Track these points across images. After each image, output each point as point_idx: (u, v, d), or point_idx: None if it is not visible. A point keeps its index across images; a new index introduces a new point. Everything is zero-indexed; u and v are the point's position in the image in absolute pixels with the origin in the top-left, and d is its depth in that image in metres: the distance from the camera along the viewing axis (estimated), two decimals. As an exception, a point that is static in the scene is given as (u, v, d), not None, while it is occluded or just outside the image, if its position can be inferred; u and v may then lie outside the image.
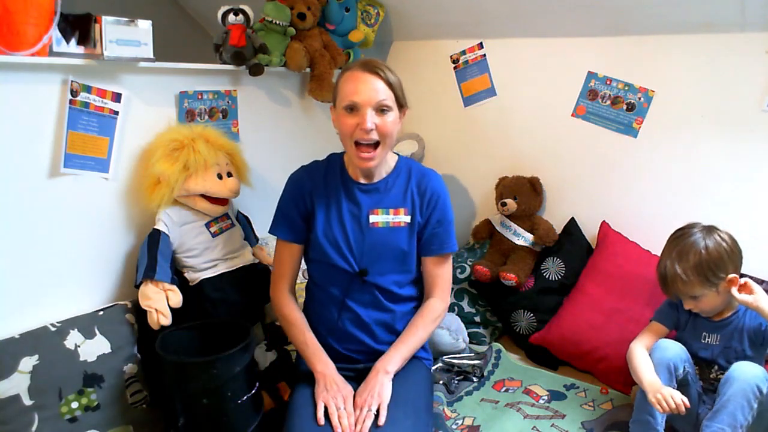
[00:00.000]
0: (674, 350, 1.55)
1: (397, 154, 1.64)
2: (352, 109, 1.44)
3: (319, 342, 1.58)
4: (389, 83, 1.45)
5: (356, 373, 1.58)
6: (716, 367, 1.59)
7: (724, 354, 1.57)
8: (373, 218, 1.55)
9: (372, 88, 1.42)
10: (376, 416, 1.40)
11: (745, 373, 1.43)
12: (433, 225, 1.59)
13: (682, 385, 1.54)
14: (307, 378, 1.55)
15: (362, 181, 1.57)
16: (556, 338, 2.08)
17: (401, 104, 1.50)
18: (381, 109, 1.44)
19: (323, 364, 1.51)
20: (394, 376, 1.53)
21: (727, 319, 1.59)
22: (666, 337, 1.64)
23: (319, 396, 1.45)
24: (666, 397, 1.43)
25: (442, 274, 1.64)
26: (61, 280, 1.67)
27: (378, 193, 1.57)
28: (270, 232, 1.63)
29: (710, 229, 1.57)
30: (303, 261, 1.68)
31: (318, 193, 1.57)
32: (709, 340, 1.60)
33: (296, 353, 1.70)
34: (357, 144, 1.46)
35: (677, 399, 1.42)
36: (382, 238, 1.56)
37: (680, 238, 1.59)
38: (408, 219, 1.57)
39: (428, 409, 1.56)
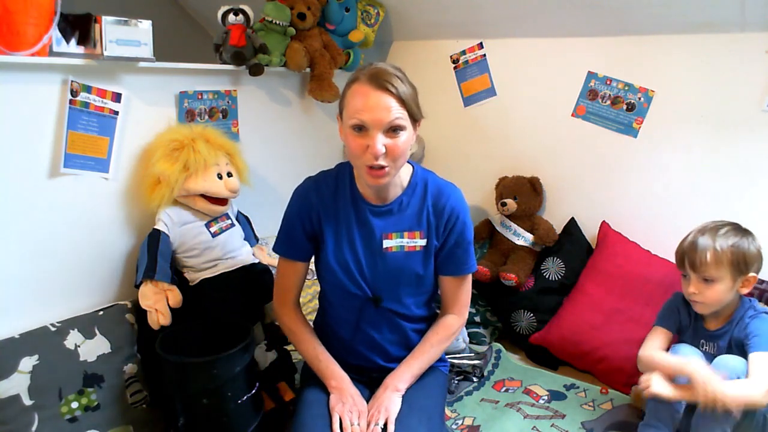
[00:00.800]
0: (692, 355, 1.53)
1: (413, 165, 1.50)
2: (360, 128, 1.29)
3: (330, 353, 1.54)
4: (401, 99, 1.28)
5: (368, 378, 1.57)
6: None
7: None
8: (386, 243, 1.45)
9: (383, 108, 1.27)
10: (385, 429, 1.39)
11: (725, 366, 1.43)
12: (450, 246, 1.48)
13: None
14: (315, 379, 1.53)
15: (374, 202, 1.45)
16: (556, 338, 2.08)
17: (415, 118, 1.35)
18: (393, 129, 1.29)
19: (338, 380, 1.46)
20: None
21: (722, 328, 1.57)
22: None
23: (335, 408, 1.40)
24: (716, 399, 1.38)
25: (460, 293, 1.54)
26: (61, 280, 1.67)
27: (391, 215, 1.45)
28: (273, 250, 1.56)
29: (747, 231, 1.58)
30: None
31: (327, 212, 1.46)
32: (707, 348, 1.60)
33: None
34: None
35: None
36: (397, 264, 1.46)
37: (720, 225, 1.56)
38: (423, 243, 1.46)
39: (441, 417, 1.54)
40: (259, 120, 2.17)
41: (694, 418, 1.47)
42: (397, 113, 1.28)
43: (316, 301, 2.05)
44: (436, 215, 1.46)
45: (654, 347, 1.60)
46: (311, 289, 2.08)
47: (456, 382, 2.01)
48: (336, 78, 2.26)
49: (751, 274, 1.52)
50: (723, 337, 1.57)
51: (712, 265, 1.50)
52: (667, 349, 1.59)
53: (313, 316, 2.03)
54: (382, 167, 1.31)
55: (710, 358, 1.57)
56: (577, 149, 2.27)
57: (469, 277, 1.56)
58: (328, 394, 1.47)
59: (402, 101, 1.29)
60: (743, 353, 1.52)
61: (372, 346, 1.54)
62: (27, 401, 1.47)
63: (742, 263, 1.50)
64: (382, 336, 1.53)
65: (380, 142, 1.28)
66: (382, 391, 1.45)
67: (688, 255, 1.55)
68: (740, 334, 1.53)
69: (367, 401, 1.49)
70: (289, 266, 1.55)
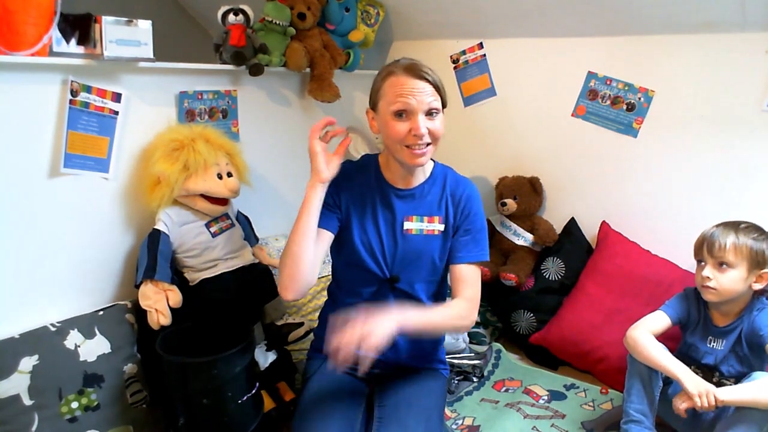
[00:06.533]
0: None
1: (434, 160, 1.60)
2: (402, 114, 1.41)
3: None
4: (436, 86, 1.43)
5: (368, 375, 1.56)
6: (717, 374, 1.59)
7: (728, 360, 1.58)
8: (407, 225, 1.51)
9: (422, 92, 1.40)
10: (387, 426, 1.39)
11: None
12: (460, 233, 1.52)
13: (667, 384, 1.58)
14: (316, 375, 1.54)
15: (400, 186, 1.53)
16: (556, 338, 2.08)
17: (444, 104, 1.48)
18: (431, 112, 1.42)
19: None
20: (408, 381, 1.51)
21: (731, 325, 1.58)
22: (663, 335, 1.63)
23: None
24: (710, 394, 1.41)
25: (468, 282, 1.51)
26: (61, 280, 1.67)
27: (413, 199, 1.53)
28: None
29: None
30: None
31: (351, 194, 1.52)
32: (715, 344, 1.61)
33: (306, 354, 1.69)
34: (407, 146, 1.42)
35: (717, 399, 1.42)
36: (416, 246, 1.51)
37: (741, 222, 1.59)
38: (442, 228, 1.52)
39: (440, 418, 1.54)
40: (259, 120, 2.17)
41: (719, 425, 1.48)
42: (433, 97, 1.42)
43: (316, 301, 2.06)
44: (454, 204, 1.54)
45: (649, 328, 1.61)
46: (311, 289, 2.07)
47: (456, 382, 2.01)
48: (336, 78, 2.26)
49: (766, 270, 1.53)
50: (731, 334, 1.58)
51: (731, 251, 1.53)
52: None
53: (312, 316, 2.03)
54: (424, 147, 1.43)
55: (717, 354, 1.59)
56: (577, 149, 2.27)
57: (479, 271, 1.54)
58: (327, 394, 1.47)
59: (436, 88, 1.43)
60: (753, 349, 1.54)
61: None
62: (27, 401, 1.47)
63: (760, 256, 1.53)
64: None
65: (422, 123, 1.40)
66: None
67: (707, 240, 1.58)
68: (750, 328, 1.55)
69: (366, 399, 1.50)
70: None
